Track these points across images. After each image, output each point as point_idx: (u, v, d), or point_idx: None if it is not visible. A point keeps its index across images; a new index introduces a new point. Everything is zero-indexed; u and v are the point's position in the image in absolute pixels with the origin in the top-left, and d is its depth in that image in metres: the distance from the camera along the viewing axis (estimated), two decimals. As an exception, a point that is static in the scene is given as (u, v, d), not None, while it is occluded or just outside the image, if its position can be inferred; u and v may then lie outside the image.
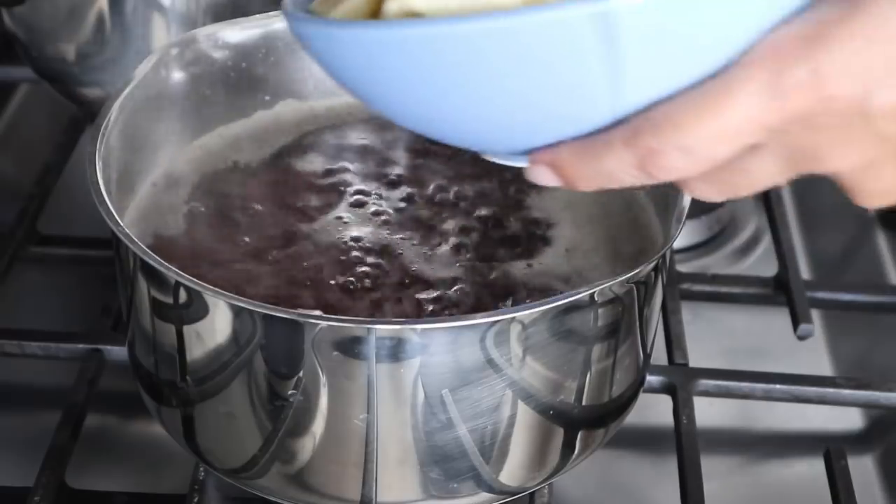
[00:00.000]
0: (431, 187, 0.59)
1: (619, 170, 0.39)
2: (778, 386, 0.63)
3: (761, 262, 0.79)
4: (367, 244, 0.55)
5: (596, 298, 0.48)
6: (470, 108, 0.41)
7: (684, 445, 0.59)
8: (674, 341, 0.65)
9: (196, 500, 0.56)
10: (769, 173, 0.39)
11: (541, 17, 0.36)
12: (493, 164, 0.45)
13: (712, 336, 0.72)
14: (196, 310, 0.48)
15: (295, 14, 0.43)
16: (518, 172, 0.55)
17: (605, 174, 0.40)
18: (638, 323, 0.52)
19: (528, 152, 0.42)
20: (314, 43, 0.42)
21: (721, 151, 0.37)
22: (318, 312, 0.50)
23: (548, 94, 0.39)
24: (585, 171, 0.40)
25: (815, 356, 0.72)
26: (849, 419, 0.68)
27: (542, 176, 0.41)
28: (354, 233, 0.56)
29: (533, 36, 0.37)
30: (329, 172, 0.60)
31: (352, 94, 0.44)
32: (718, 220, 0.80)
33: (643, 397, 0.58)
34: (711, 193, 0.41)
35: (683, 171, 0.38)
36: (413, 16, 0.40)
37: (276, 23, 0.61)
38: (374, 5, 0.43)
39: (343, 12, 0.44)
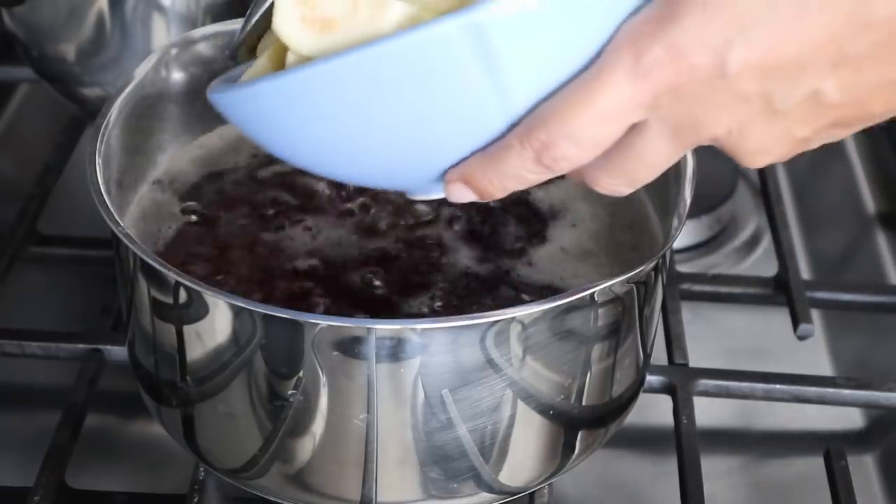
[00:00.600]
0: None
1: (521, 168, 0.42)
2: (778, 386, 0.63)
3: (761, 262, 0.79)
4: (367, 242, 0.55)
5: (596, 298, 0.48)
6: (376, 141, 0.43)
7: (684, 445, 0.59)
8: (674, 341, 0.65)
9: (196, 500, 0.56)
10: (661, 152, 0.41)
11: (414, 37, 0.39)
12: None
13: (712, 336, 0.72)
14: (196, 310, 0.48)
15: (212, 88, 0.46)
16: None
17: (511, 176, 0.42)
18: (638, 323, 0.52)
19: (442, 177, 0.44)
20: (226, 109, 0.45)
21: (604, 134, 0.41)
22: (319, 310, 0.50)
23: (442, 111, 0.41)
24: (493, 178, 0.42)
25: (815, 356, 0.72)
26: (849, 419, 0.69)
27: (458, 193, 0.44)
28: (354, 232, 0.56)
29: (413, 56, 0.39)
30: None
31: (269, 150, 0.46)
32: (718, 220, 0.80)
33: (643, 397, 0.58)
34: (619, 184, 0.43)
35: (577, 158, 0.41)
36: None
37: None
38: (278, 65, 0.46)
39: (250, 75, 0.47)
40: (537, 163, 0.41)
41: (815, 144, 0.44)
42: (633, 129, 0.41)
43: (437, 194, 0.46)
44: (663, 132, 0.41)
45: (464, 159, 0.43)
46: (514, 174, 0.42)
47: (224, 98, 0.45)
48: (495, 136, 0.42)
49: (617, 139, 0.41)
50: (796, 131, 0.41)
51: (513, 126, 0.41)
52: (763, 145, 0.42)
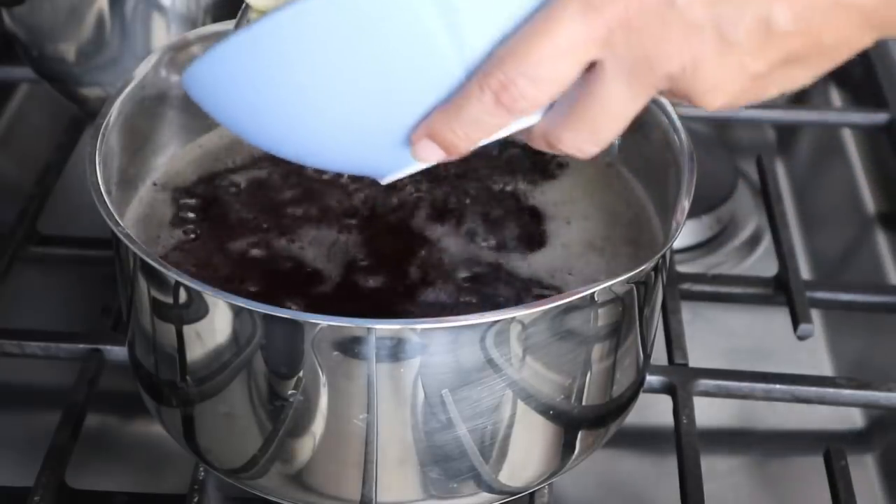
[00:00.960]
0: (426, 185, 0.59)
1: (482, 112, 0.42)
2: (778, 386, 0.63)
3: (761, 262, 0.79)
4: (365, 241, 0.55)
5: (596, 298, 0.48)
6: (337, 103, 0.43)
7: (684, 445, 0.59)
8: (674, 341, 0.65)
9: (196, 500, 0.56)
10: (620, 97, 0.42)
11: None
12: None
13: (712, 336, 0.72)
14: (196, 310, 0.48)
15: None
16: (513, 171, 0.56)
17: (474, 122, 0.42)
18: (638, 323, 0.52)
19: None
20: (192, 88, 0.46)
21: (561, 71, 0.41)
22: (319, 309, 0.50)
23: (399, 64, 0.41)
24: (456, 127, 0.43)
25: (815, 356, 0.72)
26: (849, 419, 0.69)
27: (425, 151, 0.44)
28: (354, 231, 0.56)
29: (366, 3, 0.40)
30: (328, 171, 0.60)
31: (235, 129, 0.47)
32: (718, 220, 0.80)
33: (643, 397, 0.58)
34: (583, 140, 0.43)
35: (535, 97, 0.41)
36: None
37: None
38: None
39: None
40: (497, 104, 0.41)
41: (772, 88, 0.44)
42: (591, 74, 0.41)
43: (406, 167, 0.45)
44: (620, 73, 0.41)
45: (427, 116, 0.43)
46: (476, 120, 0.42)
47: (189, 75, 0.45)
48: (456, 87, 0.42)
49: (573, 78, 0.41)
50: (749, 64, 0.42)
51: (471, 76, 0.42)
52: (717, 81, 0.42)
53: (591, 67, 0.41)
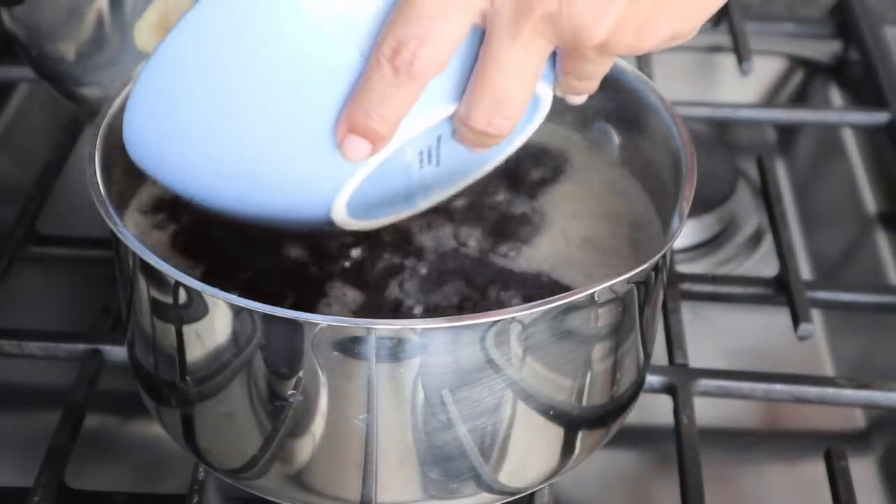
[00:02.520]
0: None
1: (387, 86, 0.42)
2: (778, 386, 0.63)
3: (762, 262, 0.79)
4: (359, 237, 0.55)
5: (596, 298, 0.48)
6: (253, 127, 0.43)
7: (684, 445, 0.59)
8: (674, 341, 0.65)
9: (196, 500, 0.56)
10: (509, 52, 0.43)
11: None
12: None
13: (712, 336, 0.72)
14: (196, 310, 0.48)
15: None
16: (517, 176, 0.56)
17: (383, 100, 0.43)
18: (638, 323, 0.52)
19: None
20: (129, 147, 0.48)
21: (449, 29, 0.42)
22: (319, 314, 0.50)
23: (298, 63, 0.42)
24: (370, 111, 0.43)
25: (815, 356, 0.72)
26: (849, 419, 0.69)
27: (354, 148, 0.44)
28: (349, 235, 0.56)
29: (240, 6, 0.41)
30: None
31: (171, 186, 0.48)
32: (718, 220, 0.80)
33: (643, 397, 0.58)
34: (488, 113, 0.44)
35: (430, 58, 0.42)
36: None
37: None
38: None
39: None
40: (396, 73, 0.42)
41: (661, 20, 0.43)
42: (481, 40, 0.42)
43: (347, 178, 0.46)
44: (503, 25, 0.42)
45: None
46: (384, 96, 0.42)
47: (127, 138, 0.47)
48: (360, 72, 0.42)
49: (462, 31, 0.42)
50: None
51: (368, 56, 0.42)
52: (595, 8, 0.42)
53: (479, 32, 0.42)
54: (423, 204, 0.52)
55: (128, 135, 0.47)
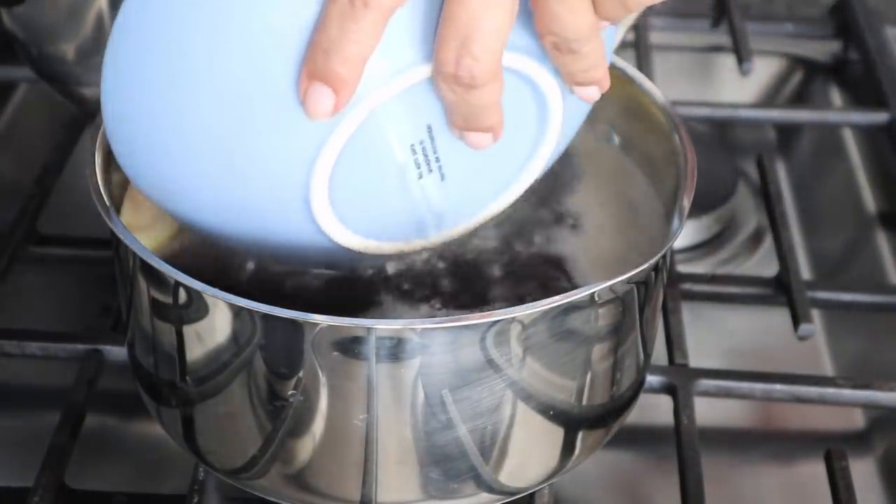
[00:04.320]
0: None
1: (346, 20, 0.40)
2: (778, 386, 0.63)
3: (762, 262, 0.79)
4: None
5: (596, 298, 0.48)
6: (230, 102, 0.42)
7: (684, 445, 0.59)
8: (674, 341, 0.65)
9: (196, 500, 0.56)
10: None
11: None
12: None
13: (712, 336, 0.72)
14: (196, 310, 0.48)
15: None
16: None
17: (344, 38, 0.40)
18: (638, 323, 0.52)
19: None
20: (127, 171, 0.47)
21: None
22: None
23: (259, 16, 0.41)
24: (332, 53, 0.41)
25: (815, 356, 0.72)
26: (849, 419, 0.69)
27: (317, 100, 0.41)
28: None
29: None
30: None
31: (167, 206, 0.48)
32: (718, 220, 0.80)
33: (643, 397, 0.58)
34: (464, 64, 0.41)
35: None
36: None
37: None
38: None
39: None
40: (352, 4, 0.40)
41: None
42: None
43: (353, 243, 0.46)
44: None
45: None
46: (344, 32, 0.40)
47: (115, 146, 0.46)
48: (315, 16, 0.41)
49: None
50: None
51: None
52: None
53: None
54: (436, 235, 0.50)
55: (109, 132, 0.46)
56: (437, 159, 0.46)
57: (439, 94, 0.43)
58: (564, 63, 0.44)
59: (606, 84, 0.46)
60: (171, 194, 0.47)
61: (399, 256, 0.51)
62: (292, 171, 0.44)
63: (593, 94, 0.46)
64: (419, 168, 0.46)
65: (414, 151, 0.45)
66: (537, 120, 0.47)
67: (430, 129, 0.45)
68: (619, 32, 0.52)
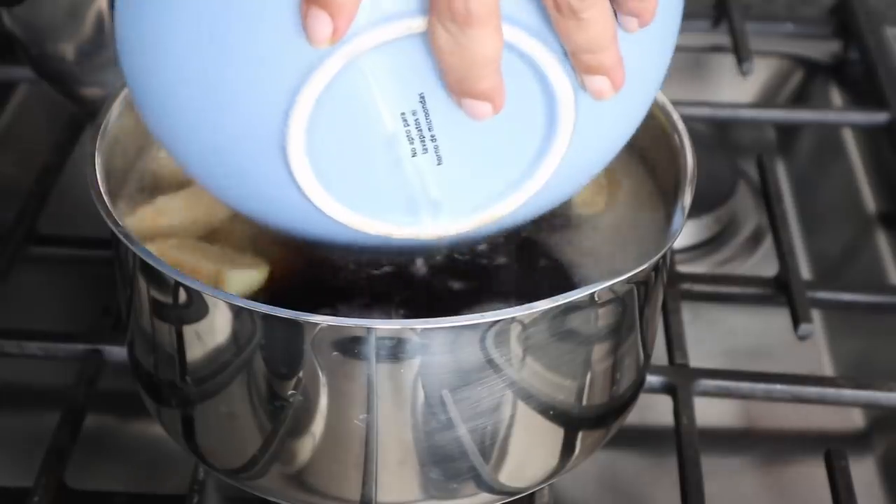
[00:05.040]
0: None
1: None
2: (778, 386, 0.63)
3: (761, 262, 0.79)
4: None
5: (596, 298, 0.48)
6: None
7: (684, 445, 0.59)
8: (674, 341, 0.65)
9: (196, 500, 0.56)
10: None
11: None
12: None
13: (712, 336, 0.73)
14: (196, 310, 0.48)
15: None
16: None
17: None
18: (638, 323, 0.52)
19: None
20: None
21: None
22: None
23: None
24: None
25: (815, 356, 0.72)
26: (849, 419, 0.69)
27: (315, 24, 0.40)
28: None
29: None
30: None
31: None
32: (718, 220, 0.80)
33: (643, 397, 0.58)
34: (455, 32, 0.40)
35: None
36: None
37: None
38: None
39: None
40: None
41: None
42: None
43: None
44: None
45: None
46: None
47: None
48: None
49: None
50: None
51: None
52: None
53: None
54: (431, 225, 0.47)
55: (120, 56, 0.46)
56: (434, 138, 0.44)
57: (433, 40, 0.41)
58: (566, 30, 0.42)
59: (619, 80, 0.43)
60: (166, 127, 0.46)
61: (399, 253, 0.51)
62: (269, 111, 0.43)
63: (603, 87, 0.44)
64: (412, 143, 0.44)
65: (405, 122, 0.44)
66: (546, 113, 0.45)
67: (423, 98, 0.43)
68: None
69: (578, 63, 0.43)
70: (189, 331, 0.49)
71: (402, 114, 0.43)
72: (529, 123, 0.45)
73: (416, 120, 0.44)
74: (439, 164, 0.45)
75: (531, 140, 0.46)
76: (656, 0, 0.42)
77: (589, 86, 0.44)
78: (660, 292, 0.54)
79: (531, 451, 0.52)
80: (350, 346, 0.46)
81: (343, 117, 0.43)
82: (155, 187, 0.57)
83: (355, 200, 0.46)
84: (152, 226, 0.54)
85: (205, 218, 0.54)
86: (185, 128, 0.45)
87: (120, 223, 0.49)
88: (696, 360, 0.64)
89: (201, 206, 0.54)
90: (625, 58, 0.43)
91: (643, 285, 0.51)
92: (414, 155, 0.45)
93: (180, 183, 0.57)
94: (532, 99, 0.44)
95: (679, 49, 0.48)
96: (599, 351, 0.50)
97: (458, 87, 0.42)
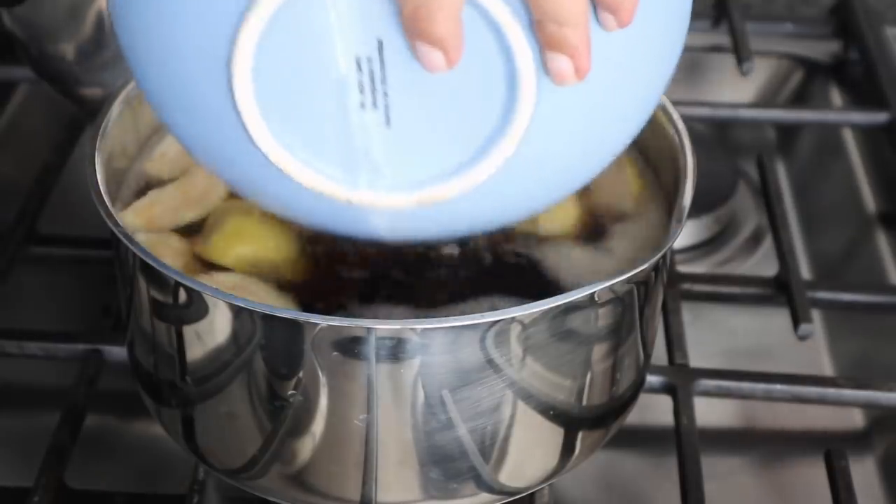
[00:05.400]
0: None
1: None
2: (778, 386, 0.63)
3: (761, 262, 0.79)
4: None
5: (596, 298, 0.48)
6: None
7: (684, 445, 0.59)
8: (674, 341, 0.65)
9: (196, 500, 0.56)
10: None
11: None
12: None
13: (712, 336, 0.73)
14: (196, 310, 0.48)
15: None
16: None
17: None
18: (638, 323, 0.52)
19: None
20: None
21: None
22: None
23: None
24: None
25: (815, 356, 0.72)
26: (849, 419, 0.69)
27: None
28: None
29: None
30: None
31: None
32: (718, 220, 0.80)
33: (643, 397, 0.58)
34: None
35: None
36: None
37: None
38: None
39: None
40: None
41: None
42: None
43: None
44: None
45: None
46: None
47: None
48: None
49: None
50: None
51: None
52: None
53: None
54: (367, 191, 0.44)
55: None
56: (386, 94, 0.42)
57: None
58: (551, 34, 0.40)
59: (583, 65, 0.41)
60: (130, 44, 0.45)
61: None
62: (219, 25, 0.41)
63: (565, 69, 0.41)
64: (362, 93, 0.42)
65: (359, 67, 0.41)
66: (505, 92, 0.42)
67: (381, 46, 0.41)
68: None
69: (542, 33, 0.40)
70: (189, 331, 0.49)
71: (357, 58, 0.41)
72: (486, 100, 0.42)
73: (370, 70, 0.41)
74: (387, 124, 0.42)
75: (486, 119, 0.42)
76: (635, 2, 0.41)
77: (550, 65, 0.41)
78: (660, 292, 0.54)
79: (531, 451, 0.52)
80: (350, 346, 0.46)
81: (295, 44, 0.41)
82: (155, 187, 0.57)
83: (293, 142, 0.43)
84: (147, 216, 0.54)
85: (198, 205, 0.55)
86: (143, 44, 0.44)
87: (120, 223, 0.49)
88: (696, 360, 0.64)
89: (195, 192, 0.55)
90: (608, 60, 0.42)
91: (643, 285, 0.51)
92: (363, 107, 0.42)
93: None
94: (492, 72, 0.41)
95: (679, 49, 0.47)
96: (599, 351, 0.50)
97: (413, 25, 0.39)
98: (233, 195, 0.55)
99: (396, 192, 0.44)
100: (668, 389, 0.63)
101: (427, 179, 0.44)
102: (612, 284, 0.48)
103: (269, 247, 0.53)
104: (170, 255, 0.52)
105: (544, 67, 0.41)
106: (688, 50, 0.46)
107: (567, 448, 0.52)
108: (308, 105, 0.42)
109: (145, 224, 0.54)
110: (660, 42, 0.44)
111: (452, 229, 0.47)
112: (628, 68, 0.43)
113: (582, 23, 0.40)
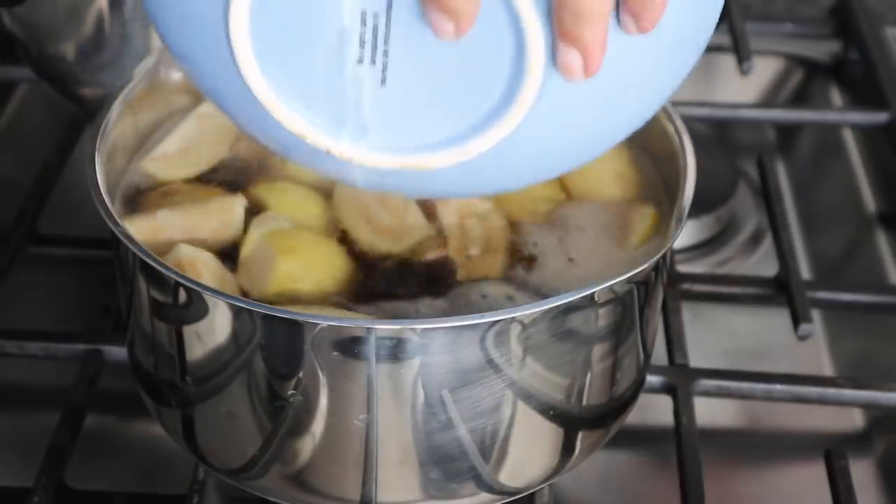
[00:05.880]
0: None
1: None
2: (778, 386, 0.63)
3: (761, 262, 0.79)
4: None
5: (596, 298, 0.48)
6: None
7: (684, 445, 0.59)
8: (674, 341, 0.65)
9: (196, 500, 0.56)
10: None
11: None
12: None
13: (712, 336, 0.72)
14: (196, 310, 0.48)
15: None
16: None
17: None
18: (638, 323, 0.52)
19: None
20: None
21: None
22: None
23: None
24: None
25: (815, 356, 0.72)
26: (849, 419, 0.69)
27: None
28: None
29: None
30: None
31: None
32: (718, 220, 0.80)
33: (643, 397, 0.58)
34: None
35: None
36: None
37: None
38: None
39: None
40: None
41: None
42: None
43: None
44: None
45: None
46: None
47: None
48: None
49: None
50: None
51: None
52: None
53: None
54: (348, 146, 0.43)
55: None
56: (386, 53, 0.41)
57: None
58: (567, 26, 0.39)
59: (593, 64, 0.40)
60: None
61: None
62: None
63: (574, 64, 0.40)
64: (362, 47, 0.41)
65: (364, 22, 0.40)
66: (510, 76, 0.41)
67: (390, 2, 0.40)
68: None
69: (559, 23, 0.39)
70: (189, 331, 0.49)
71: (364, 12, 0.40)
72: (488, 79, 0.41)
73: (374, 25, 0.40)
74: (382, 84, 0.41)
75: (484, 98, 0.41)
76: (661, 9, 0.40)
77: (560, 58, 0.40)
78: (660, 292, 0.54)
79: (531, 451, 0.52)
80: (350, 346, 0.46)
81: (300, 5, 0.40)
82: (155, 187, 0.57)
83: (282, 83, 0.42)
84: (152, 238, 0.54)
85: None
86: None
87: (120, 223, 0.49)
88: (696, 360, 0.64)
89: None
90: (620, 62, 0.41)
91: (643, 285, 0.51)
92: (360, 62, 0.41)
93: (181, 183, 0.57)
94: (499, 52, 0.40)
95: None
96: (599, 351, 0.50)
97: None
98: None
99: (378, 152, 0.43)
100: (668, 389, 0.63)
101: (412, 147, 0.43)
102: (612, 284, 0.48)
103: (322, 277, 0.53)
104: (207, 275, 0.51)
105: (554, 58, 0.40)
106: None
107: (567, 448, 0.52)
108: (305, 50, 0.41)
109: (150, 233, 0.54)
110: (676, 52, 0.43)
111: (430, 191, 0.47)
112: (639, 73, 0.43)
113: (601, 20, 0.39)
